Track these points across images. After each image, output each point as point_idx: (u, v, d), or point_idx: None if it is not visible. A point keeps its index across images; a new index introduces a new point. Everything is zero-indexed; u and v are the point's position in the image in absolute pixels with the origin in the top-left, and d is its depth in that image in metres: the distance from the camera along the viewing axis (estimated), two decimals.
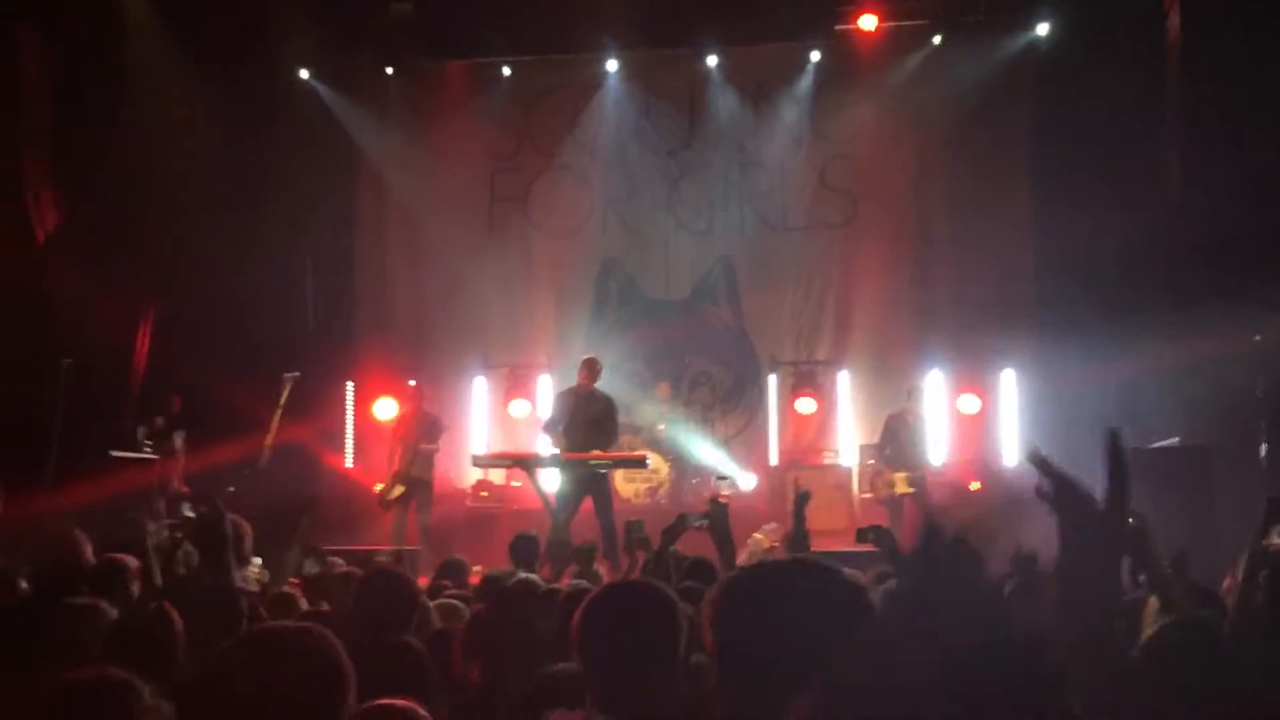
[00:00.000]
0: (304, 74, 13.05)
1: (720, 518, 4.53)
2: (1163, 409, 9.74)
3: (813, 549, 5.27)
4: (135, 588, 4.06)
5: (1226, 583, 5.06)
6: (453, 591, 4.99)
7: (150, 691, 1.95)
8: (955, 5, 12.45)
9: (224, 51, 11.63)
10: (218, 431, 11.32)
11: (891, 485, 10.37)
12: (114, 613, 3.51)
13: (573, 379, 10.01)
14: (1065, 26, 11.87)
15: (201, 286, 11.56)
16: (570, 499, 9.35)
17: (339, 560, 6.43)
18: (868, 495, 11.37)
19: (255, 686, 1.88)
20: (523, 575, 5.27)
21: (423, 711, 2.19)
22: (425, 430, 10.54)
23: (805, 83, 13.07)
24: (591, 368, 9.80)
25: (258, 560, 6.45)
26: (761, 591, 1.65)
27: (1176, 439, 9.24)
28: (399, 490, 10.29)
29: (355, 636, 2.32)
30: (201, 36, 11.56)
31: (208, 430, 11.25)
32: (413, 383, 10.99)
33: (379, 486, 10.52)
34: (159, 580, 4.14)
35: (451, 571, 5.69)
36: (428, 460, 10.47)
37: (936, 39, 12.51)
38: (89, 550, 4.25)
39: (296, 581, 5.04)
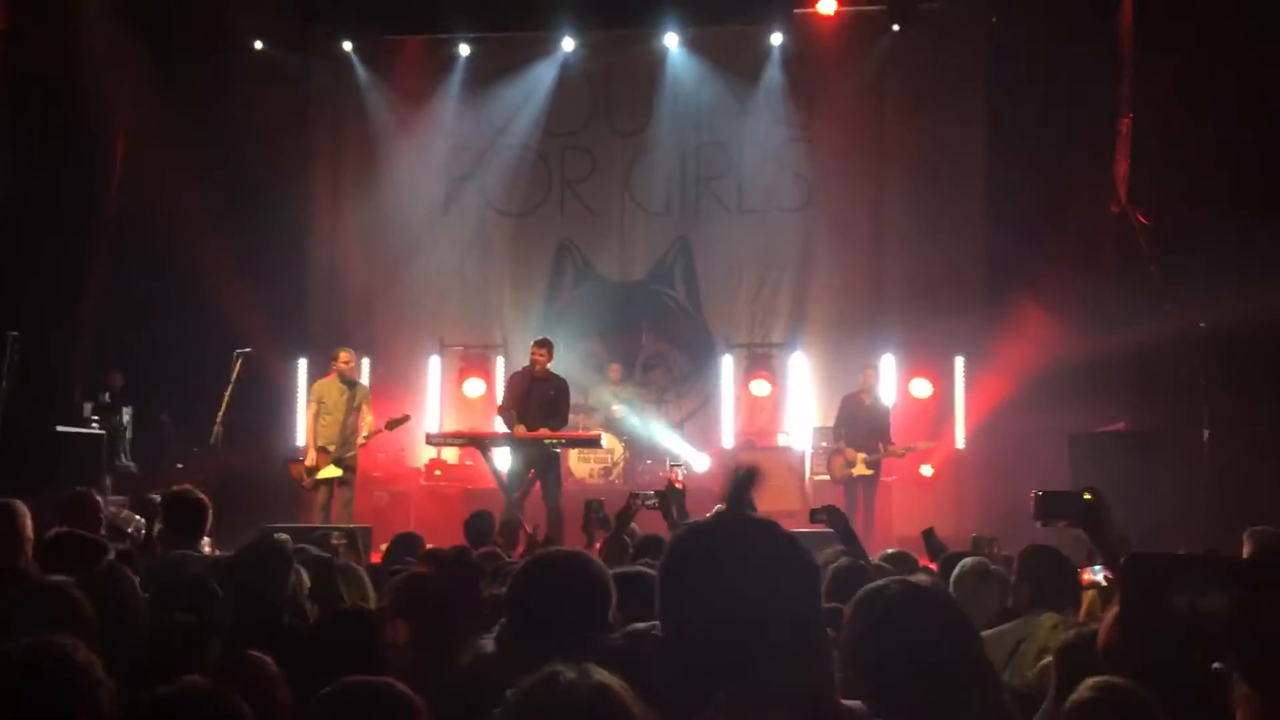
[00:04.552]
0: (259, 45, 12.86)
1: (676, 502, 4.60)
2: (1109, 394, 9.90)
3: None
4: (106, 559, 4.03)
5: None
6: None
7: (94, 662, 1.92)
8: None
9: (177, 21, 11.45)
10: (167, 406, 11.23)
11: (850, 465, 10.46)
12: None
13: (527, 359, 9.97)
14: (1020, 14, 11.96)
15: (150, 260, 11.40)
16: (523, 477, 9.35)
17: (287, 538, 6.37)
18: (821, 477, 11.46)
19: None
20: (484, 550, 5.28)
21: (400, 686, 2.18)
22: (360, 404, 9.91)
23: (763, 66, 13.09)
24: (545, 349, 9.76)
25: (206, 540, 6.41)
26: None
27: (1122, 424, 9.41)
28: (333, 472, 9.70)
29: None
30: (155, 4, 11.36)
31: (157, 405, 11.14)
32: (348, 350, 10.12)
33: (307, 462, 9.82)
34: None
35: (406, 548, 5.66)
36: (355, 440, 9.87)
37: (895, 25, 12.57)
38: (29, 524, 4.20)
39: None
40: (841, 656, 2.12)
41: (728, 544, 1.60)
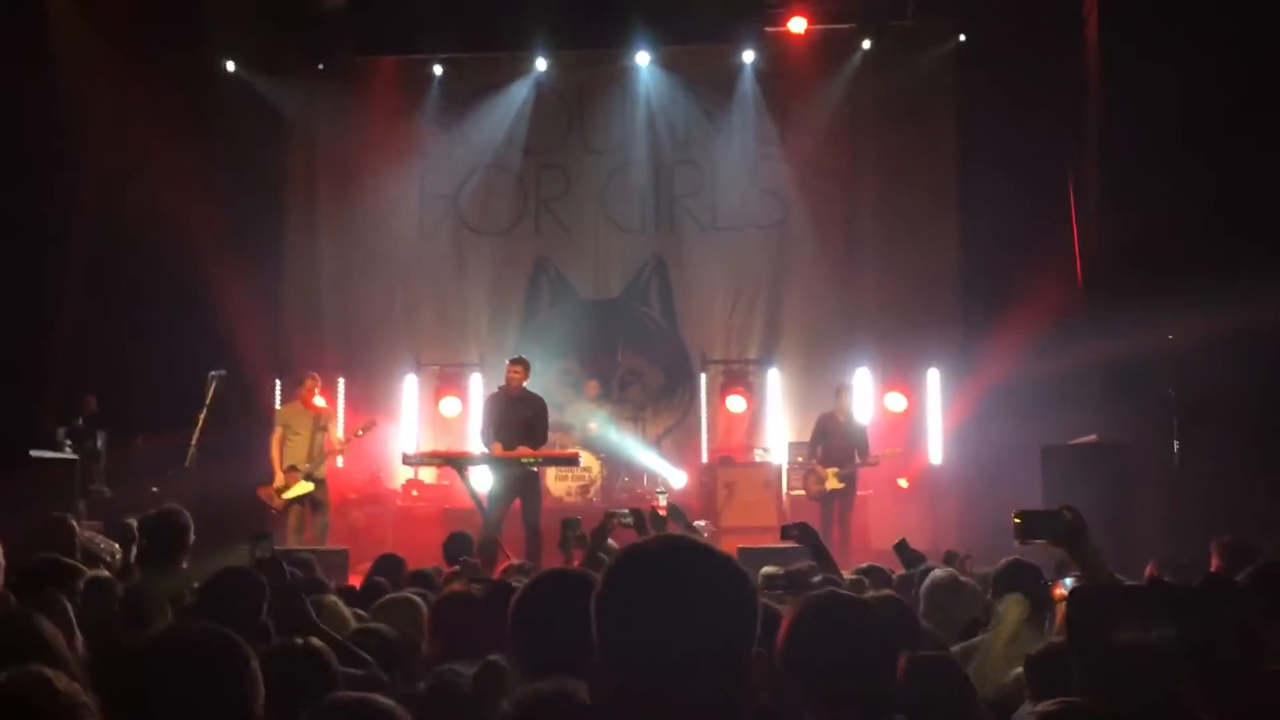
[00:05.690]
0: (230, 66, 12.84)
1: (657, 527, 4.64)
2: (1080, 406, 9.99)
3: (742, 545, 5.38)
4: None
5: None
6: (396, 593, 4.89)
7: (70, 687, 1.93)
8: (883, 9, 12.62)
9: (149, 43, 11.42)
10: (141, 430, 11.15)
11: (823, 481, 10.52)
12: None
13: (503, 378, 9.96)
14: (989, 31, 12.09)
15: (125, 281, 11.35)
16: (502, 497, 9.33)
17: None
18: (797, 492, 11.50)
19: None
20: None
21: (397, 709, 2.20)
22: (326, 424, 10.20)
23: (736, 84, 13.19)
24: (521, 367, 9.74)
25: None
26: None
27: (1094, 436, 9.49)
28: (304, 488, 9.84)
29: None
30: (127, 26, 11.32)
31: (131, 429, 11.07)
32: (312, 376, 10.35)
33: (275, 484, 9.89)
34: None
35: (387, 569, 5.64)
36: (323, 459, 10.08)
37: (866, 43, 12.69)
38: None
39: None
40: (780, 665, 2.20)
41: (659, 565, 1.60)
